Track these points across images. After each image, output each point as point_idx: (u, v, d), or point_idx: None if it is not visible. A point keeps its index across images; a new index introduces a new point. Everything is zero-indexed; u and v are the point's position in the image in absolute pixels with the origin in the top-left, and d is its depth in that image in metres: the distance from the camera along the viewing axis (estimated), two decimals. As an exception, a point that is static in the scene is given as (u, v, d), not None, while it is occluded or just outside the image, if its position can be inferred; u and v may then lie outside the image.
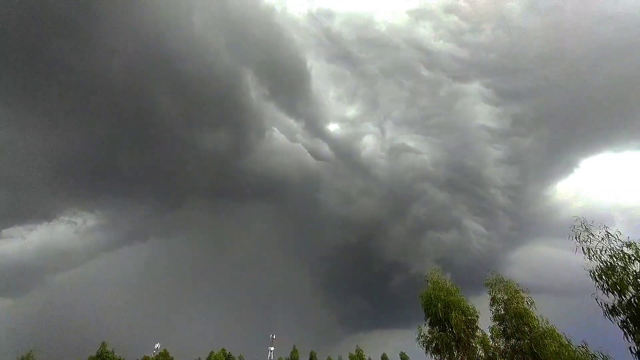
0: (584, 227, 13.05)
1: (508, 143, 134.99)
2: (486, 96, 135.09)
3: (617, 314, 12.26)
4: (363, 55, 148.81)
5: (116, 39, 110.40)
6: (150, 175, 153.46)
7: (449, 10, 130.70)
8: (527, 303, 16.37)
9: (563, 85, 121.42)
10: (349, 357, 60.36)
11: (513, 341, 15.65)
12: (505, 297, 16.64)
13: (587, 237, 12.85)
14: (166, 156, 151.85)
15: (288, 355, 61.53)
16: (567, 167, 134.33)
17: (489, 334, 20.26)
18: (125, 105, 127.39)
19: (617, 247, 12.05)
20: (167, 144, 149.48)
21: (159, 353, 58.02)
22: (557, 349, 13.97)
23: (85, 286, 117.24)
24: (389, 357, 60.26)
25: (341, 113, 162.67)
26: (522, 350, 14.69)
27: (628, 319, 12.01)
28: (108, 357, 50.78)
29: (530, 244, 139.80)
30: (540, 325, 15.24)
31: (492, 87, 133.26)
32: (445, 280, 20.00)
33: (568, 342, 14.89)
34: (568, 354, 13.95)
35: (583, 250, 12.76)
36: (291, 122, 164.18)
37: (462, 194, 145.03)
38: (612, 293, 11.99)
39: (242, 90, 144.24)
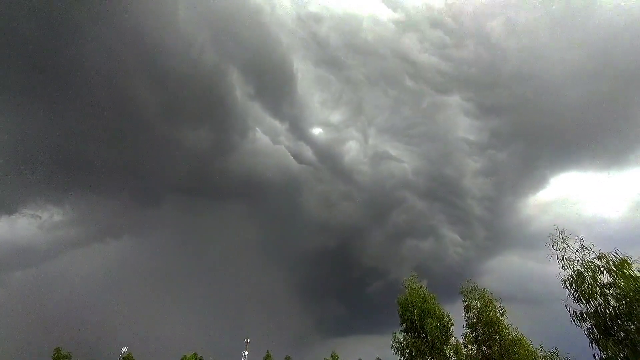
0: (561, 237, 13.48)
1: (485, 156, 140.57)
2: (466, 109, 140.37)
3: (584, 321, 12.71)
4: (349, 62, 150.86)
5: (94, 24, 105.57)
6: (125, 171, 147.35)
7: (434, 24, 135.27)
8: (500, 312, 16.74)
9: (537, 103, 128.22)
10: (324, 362, 59.74)
11: (484, 348, 15.95)
12: (479, 306, 16.97)
13: (562, 247, 13.27)
14: (144, 152, 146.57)
15: (262, 359, 60.11)
16: (539, 182, 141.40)
17: (462, 341, 20.63)
18: (100, 95, 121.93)
19: (589, 258, 12.54)
20: (145, 139, 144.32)
21: (124, 358, 55.10)
22: (524, 356, 14.33)
23: (48, 285, 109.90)
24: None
25: (325, 117, 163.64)
26: (492, 357, 14.98)
27: (594, 327, 12.46)
28: (65, 361, 47.60)
29: (503, 254, 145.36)
30: (510, 333, 15.60)
31: (472, 101, 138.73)
32: (422, 287, 20.24)
33: (536, 349, 15.26)
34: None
35: (557, 258, 13.20)
36: (275, 123, 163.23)
37: (440, 203, 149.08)
38: (581, 301, 12.44)
39: (227, 88, 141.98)
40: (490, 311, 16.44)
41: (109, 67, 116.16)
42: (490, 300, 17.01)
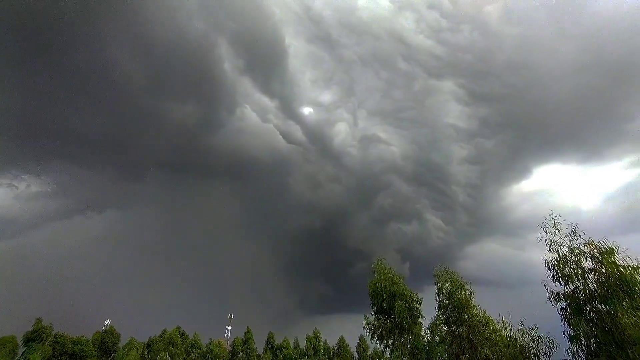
0: (553, 222, 13.79)
1: (473, 143, 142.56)
2: (458, 95, 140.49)
3: (559, 301, 13.26)
4: (343, 40, 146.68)
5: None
6: (108, 143, 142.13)
7: (431, 5, 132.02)
8: (468, 294, 17.35)
9: (526, 94, 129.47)
10: (306, 339, 61.73)
11: (454, 328, 16.59)
12: (450, 289, 17.52)
13: (553, 231, 13.57)
14: (128, 124, 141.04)
15: (244, 335, 61.39)
16: (522, 172, 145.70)
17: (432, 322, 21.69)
18: (81, 63, 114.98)
19: (576, 244, 12.96)
20: (129, 111, 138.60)
21: (105, 330, 55.15)
22: (488, 334, 15.02)
23: (28, 257, 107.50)
24: (347, 341, 62.52)
25: (316, 97, 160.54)
26: (461, 337, 15.62)
27: (568, 307, 13.05)
28: (45, 332, 47.18)
29: (483, 240, 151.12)
30: (478, 314, 16.26)
31: (464, 88, 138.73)
32: (390, 270, 20.61)
33: (507, 325, 15.90)
34: (500, 338, 15.02)
35: (546, 242, 13.58)
36: (265, 100, 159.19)
37: (426, 188, 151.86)
38: (560, 282, 12.94)
39: (215, 60, 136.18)
40: (460, 294, 17.03)
41: (87, 30, 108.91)
42: (460, 283, 17.57)
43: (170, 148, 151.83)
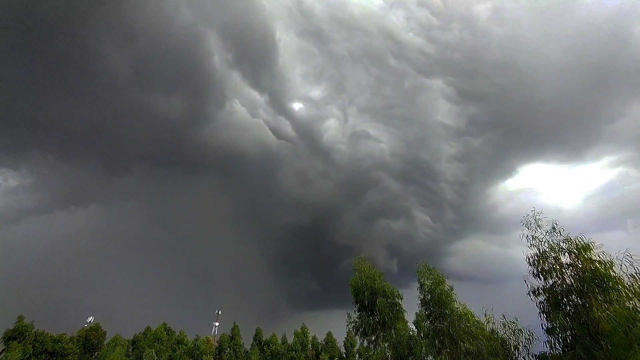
0: (534, 219, 14.26)
1: (461, 141, 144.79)
2: (447, 94, 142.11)
3: (538, 295, 13.67)
4: (333, 35, 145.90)
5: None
6: (92, 135, 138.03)
7: (421, 3, 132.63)
8: (448, 289, 17.59)
9: (512, 93, 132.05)
10: (294, 334, 61.97)
11: (436, 324, 16.82)
12: (431, 285, 17.94)
13: (535, 228, 14.14)
14: (112, 116, 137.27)
15: (231, 331, 61.15)
16: (507, 171, 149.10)
17: (414, 318, 21.97)
18: (62, 50, 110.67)
19: (556, 240, 13.35)
20: (114, 102, 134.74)
21: (90, 327, 53.98)
22: (468, 329, 15.41)
23: (7, 252, 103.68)
24: (334, 336, 63.07)
25: (306, 92, 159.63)
26: (442, 331, 15.88)
27: (546, 301, 13.46)
28: (27, 330, 45.86)
29: (469, 237, 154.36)
30: (459, 309, 16.59)
31: (453, 86, 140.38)
32: (370, 267, 20.78)
33: (489, 317, 16.29)
34: (481, 332, 15.40)
35: (527, 238, 13.92)
36: (254, 95, 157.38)
37: (414, 186, 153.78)
38: (539, 277, 13.34)
39: (204, 53, 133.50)
40: (440, 289, 17.30)
41: (68, 17, 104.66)
42: (440, 279, 17.83)
43: (157, 141, 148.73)
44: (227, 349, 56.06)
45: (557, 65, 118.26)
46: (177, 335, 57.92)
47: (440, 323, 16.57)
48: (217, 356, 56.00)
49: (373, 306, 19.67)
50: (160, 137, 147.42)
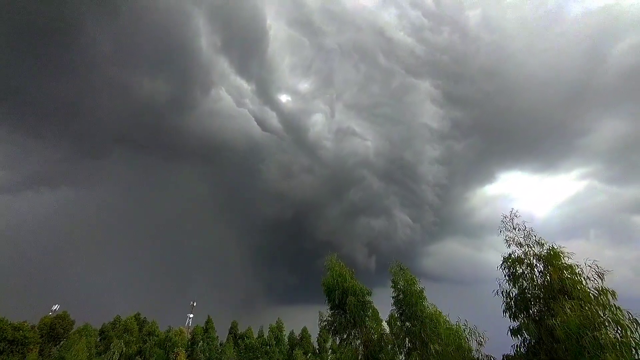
0: (511, 222, 14.58)
1: (444, 144, 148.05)
2: (433, 96, 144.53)
3: (509, 298, 14.00)
4: (325, 28, 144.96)
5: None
6: (67, 113, 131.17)
7: (414, 4, 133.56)
8: (420, 290, 17.95)
9: (495, 101, 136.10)
10: (270, 328, 61.78)
11: (407, 324, 17.06)
12: (404, 285, 18.08)
13: (512, 230, 14.45)
14: (89, 94, 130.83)
15: (205, 325, 60.21)
16: (487, 177, 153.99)
17: (386, 318, 22.26)
18: (36, 19, 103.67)
19: (530, 243, 13.71)
20: (93, 80, 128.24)
21: (56, 315, 51.64)
22: (434, 329, 15.81)
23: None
24: (309, 332, 63.35)
25: (294, 84, 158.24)
26: (413, 332, 16.11)
27: (512, 302, 13.83)
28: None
29: (445, 239, 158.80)
30: (430, 310, 16.91)
31: (440, 89, 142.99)
32: (342, 266, 20.80)
33: (456, 323, 16.74)
34: (449, 333, 15.81)
35: (506, 239, 14.42)
36: (241, 83, 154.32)
37: (396, 186, 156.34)
38: (511, 282, 13.73)
39: (191, 34, 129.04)
40: (412, 290, 17.57)
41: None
42: (412, 280, 18.10)
43: (137, 125, 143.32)
44: (200, 342, 55.14)
45: (538, 77, 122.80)
46: (149, 326, 56.41)
47: (411, 323, 16.77)
48: (189, 349, 55.02)
49: (344, 305, 19.69)
50: (141, 121, 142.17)
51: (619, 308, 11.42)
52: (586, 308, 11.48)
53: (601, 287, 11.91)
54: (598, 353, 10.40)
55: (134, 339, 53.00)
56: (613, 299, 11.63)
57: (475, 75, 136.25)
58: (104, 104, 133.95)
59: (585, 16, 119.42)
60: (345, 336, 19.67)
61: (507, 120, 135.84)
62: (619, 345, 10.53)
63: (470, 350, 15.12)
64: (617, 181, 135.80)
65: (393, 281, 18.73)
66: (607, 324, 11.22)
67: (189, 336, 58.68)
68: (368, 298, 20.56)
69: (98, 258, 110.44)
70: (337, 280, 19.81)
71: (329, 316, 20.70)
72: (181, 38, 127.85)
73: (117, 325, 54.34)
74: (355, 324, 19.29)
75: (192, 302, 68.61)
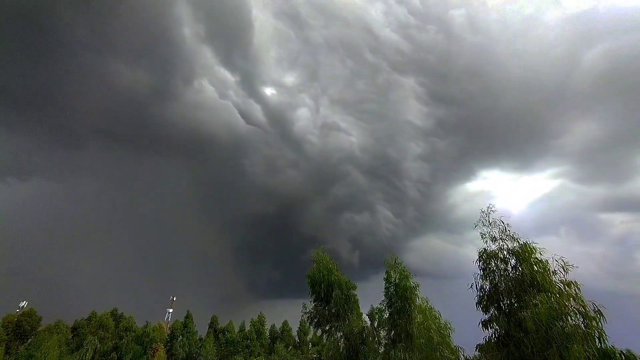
0: (487, 217, 14.88)
1: (427, 142, 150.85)
2: (418, 94, 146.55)
3: (480, 289, 14.41)
4: (311, 21, 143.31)
5: None
6: (41, 101, 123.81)
7: (401, 1, 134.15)
8: (413, 286, 18.06)
9: (478, 100, 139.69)
10: (251, 322, 61.55)
11: (395, 317, 17.13)
12: (397, 279, 18.03)
13: (489, 225, 14.72)
14: (65, 82, 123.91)
15: (184, 320, 59.22)
16: (467, 174, 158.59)
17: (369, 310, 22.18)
18: (3, 3, 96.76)
19: (505, 238, 14.11)
20: (68, 67, 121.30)
21: (22, 312, 49.22)
22: (422, 323, 16.11)
23: None
24: (290, 325, 63.68)
25: (279, 77, 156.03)
26: (399, 326, 16.23)
27: (486, 295, 14.24)
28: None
29: (427, 235, 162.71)
30: (422, 305, 17.11)
31: (425, 87, 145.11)
32: (329, 260, 20.81)
33: (437, 316, 17.16)
34: (433, 326, 16.18)
35: (483, 234, 14.68)
36: (225, 74, 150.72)
37: (380, 182, 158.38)
38: (486, 276, 14.11)
39: (173, 21, 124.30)
40: (405, 285, 17.63)
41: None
42: (406, 274, 18.16)
43: (116, 115, 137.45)
44: (179, 337, 54.18)
45: (518, 79, 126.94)
46: (125, 322, 54.79)
47: (398, 316, 16.84)
48: (168, 344, 53.98)
49: (329, 298, 19.77)
50: (120, 111, 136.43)
51: (583, 300, 11.95)
52: (554, 300, 11.92)
53: (566, 279, 12.45)
54: (565, 343, 10.84)
55: (110, 335, 51.40)
56: (578, 290, 12.18)
57: (459, 75, 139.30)
58: (80, 92, 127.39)
59: (562, 22, 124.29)
60: (327, 328, 19.84)
61: (488, 119, 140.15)
62: (584, 335, 11.04)
63: (450, 346, 15.52)
64: (586, 181, 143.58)
65: (387, 273, 18.57)
66: (573, 315, 11.72)
67: (169, 331, 57.55)
68: (353, 292, 20.68)
69: (72, 253, 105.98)
70: (323, 273, 19.72)
71: (312, 308, 20.75)
72: (163, 26, 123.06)
73: (92, 322, 52.48)
74: (339, 317, 19.45)
75: (171, 297, 67.26)
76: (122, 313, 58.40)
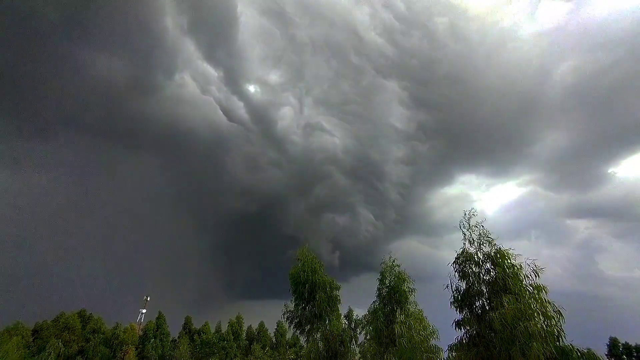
0: (468, 221, 15.38)
1: (409, 145, 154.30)
2: (401, 98, 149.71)
3: (456, 290, 15.02)
4: (297, 20, 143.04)
5: None
6: (5, 89, 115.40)
7: (387, 5, 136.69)
8: (407, 290, 17.90)
9: (458, 107, 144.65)
10: (229, 323, 60.49)
11: (385, 318, 17.21)
12: (392, 282, 17.90)
13: (468, 228, 15.25)
14: (34, 69, 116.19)
15: (156, 321, 57.29)
16: (446, 178, 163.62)
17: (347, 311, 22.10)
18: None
19: (482, 241, 14.76)
20: (37, 53, 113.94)
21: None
22: (410, 328, 16.36)
23: None
24: (266, 326, 63.18)
25: (263, 75, 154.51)
26: (391, 329, 16.46)
27: (460, 296, 14.85)
28: None
29: (406, 237, 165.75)
30: (412, 310, 17.32)
31: (408, 91, 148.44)
32: (314, 259, 20.56)
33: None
34: (417, 327, 16.62)
35: (464, 237, 15.22)
36: (208, 69, 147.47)
37: (362, 183, 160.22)
38: (461, 278, 14.75)
39: (155, 10, 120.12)
40: (399, 287, 17.56)
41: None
42: (403, 278, 17.98)
43: (89, 106, 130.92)
44: (152, 339, 52.35)
45: (496, 88, 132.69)
46: (93, 323, 52.27)
47: (391, 321, 16.99)
48: (140, 346, 52.01)
49: (312, 298, 19.68)
50: (94, 101, 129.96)
51: (547, 301, 12.76)
52: (521, 302, 12.65)
53: (536, 283, 13.27)
54: (527, 341, 11.55)
55: (76, 337, 48.88)
56: (545, 293, 13.02)
57: (441, 81, 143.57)
58: (50, 80, 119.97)
59: (535, 37, 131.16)
60: (307, 328, 19.71)
61: (467, 125, 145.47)
62: (545, 334, 11.81)
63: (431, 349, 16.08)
64: (554, 188, 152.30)
65: (382, 274, 18.59)
66: (536, 315, 12.49)
67: (141, 333, 55.53)
68: (336, 293, 20.60)
69: (37, 251, 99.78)
70: (307, 272, 19.52)
71: (292, 308, 20.52)
72: (144, 14, 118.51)
73: (59, 323, 49.69)
74: (321, 318, 19.46)
75: (145, 297, 64.93)
76: (90, 314, 55.68)
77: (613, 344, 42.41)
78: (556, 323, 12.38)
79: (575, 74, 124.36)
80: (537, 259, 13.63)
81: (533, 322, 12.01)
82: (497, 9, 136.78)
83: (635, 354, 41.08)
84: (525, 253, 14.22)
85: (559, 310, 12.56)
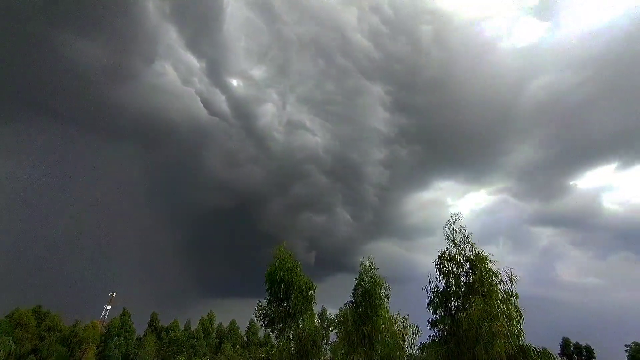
0: (452, 224, 16.01)
1: (389, 149, 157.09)
2: (384, 101, 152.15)
3: (433, 291, 15.58)
4: (285, 16, 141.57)
5: None
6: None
7: (374, 9, 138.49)
8: (382, 295, 18.03)
9: (439, 113, 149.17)
10: (200, 321, 58.94)
11: (359, 323, 17.18)
12: (368, 285, 18.03)
13: (452, 232, 15.93)
14: (2, 50, 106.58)
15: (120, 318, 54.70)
16: (423, 183, 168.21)
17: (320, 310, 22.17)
18: None
19: (463, 245, 15.39)
20: (8, 36, 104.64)
21: None
22: (378, 327, 16.80)
23: None
24: (237, 324, 62.25)
25: (247, 69, 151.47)
26: (362, 332, 16.60)
27: (437, 297, 15.39)
28: None
29: (382, 239, 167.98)
30: (385, 315, 17.49)
31: (391, 95, 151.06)
32: (291, 257, 20.64)
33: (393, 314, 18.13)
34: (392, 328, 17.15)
35: (447, 238, 15.88)
36: (191, 59, 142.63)
37: (341, 184, 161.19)
38: (440, 278, 15.34)
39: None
40: (374, 291, 17.73)
41: None
42: (379, 281, 18.10)
43: (58, 89, 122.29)
44: (115, 337, 49.87)
45: (475, 97, 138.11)
46: (49, 320, 48.94)
47: (362, 322, 17.12)
48: (101, 345, 49.36)
49: (287, 297, 19.63)
50: (63, 85, 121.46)
51: (515, 305, 13.56)
52: (488, 303, 13.34)
53: (510, 290, 14.04)
54: (491, 340, 12.20)
55: (30, 335, 45.62)
56: (515, 300, 13.79)
57: (423, 87, 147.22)
58: (14, 59, 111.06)
59: (512, 52, 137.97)
60: (280, 327, 19.57)
61: (447, 132, 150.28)
62: (507, 334, 12.54)
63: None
64: (523, 197, 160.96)
65: (359, 275, 18.62)
66: (500, 316, 13.20)
67: (104, 330, 52.76)
68: (311, 293, 20.55)
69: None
70: (283, 271, 19.43)
71: (266, 306, 20.32)
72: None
73: (12, 319, 46.09)
74: (294, 317, 19.43)
75: (111, 293, 61.71)
76: (47, 311, 52.13)
77: (565, 344, 45.69)
78: (516, 324, 13.22)
79: (546, 90, 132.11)
80: (503, 264, 14.56)
81: (498, 323, 12.70)
82: (480, 21, 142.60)
83: (584, 353, 44.47)
84: (494, 258, 14.95)
85: (520, 312, 13.41)
